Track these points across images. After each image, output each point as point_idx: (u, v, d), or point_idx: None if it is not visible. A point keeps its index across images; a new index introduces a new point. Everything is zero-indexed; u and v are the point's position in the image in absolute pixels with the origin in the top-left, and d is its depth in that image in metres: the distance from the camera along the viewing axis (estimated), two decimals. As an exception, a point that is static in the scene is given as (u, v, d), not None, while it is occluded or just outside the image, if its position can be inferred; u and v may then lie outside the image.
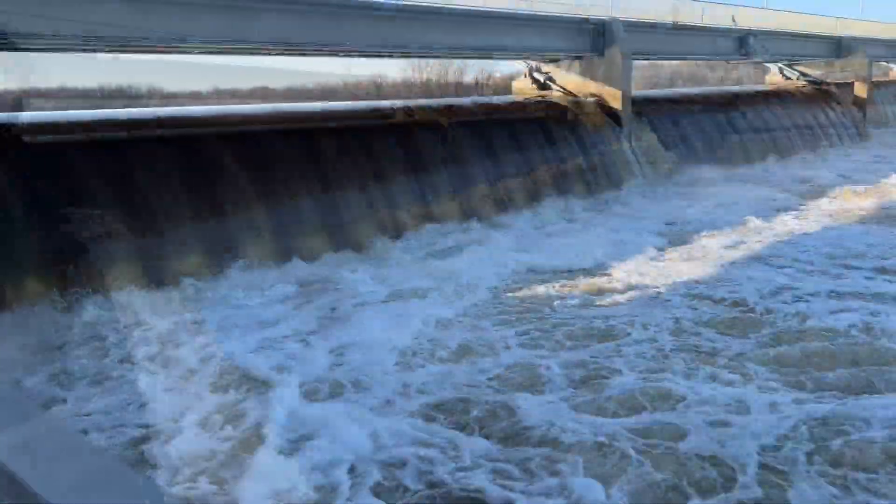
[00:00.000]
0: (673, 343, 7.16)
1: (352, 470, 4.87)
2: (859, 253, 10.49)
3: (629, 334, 7.43)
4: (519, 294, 9.01)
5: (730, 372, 6.41)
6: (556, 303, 8.52)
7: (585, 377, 6.42)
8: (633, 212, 14.42)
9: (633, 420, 5.56)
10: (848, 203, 14.87)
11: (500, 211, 14.06)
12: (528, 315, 8.15)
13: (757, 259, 10.49)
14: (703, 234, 12.25)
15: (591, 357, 6.87)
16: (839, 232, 12.10)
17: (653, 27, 20.45)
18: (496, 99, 19.40)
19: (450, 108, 15.63)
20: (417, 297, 8.85)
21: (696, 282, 9.30)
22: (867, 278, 9.20)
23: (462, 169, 14.12)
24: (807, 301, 8.30)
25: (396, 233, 12.06)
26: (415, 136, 13.78)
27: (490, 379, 6.42)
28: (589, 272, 9.93)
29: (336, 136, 12.60)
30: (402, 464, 4.99)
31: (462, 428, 5.49)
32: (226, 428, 5.41)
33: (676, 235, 12.24)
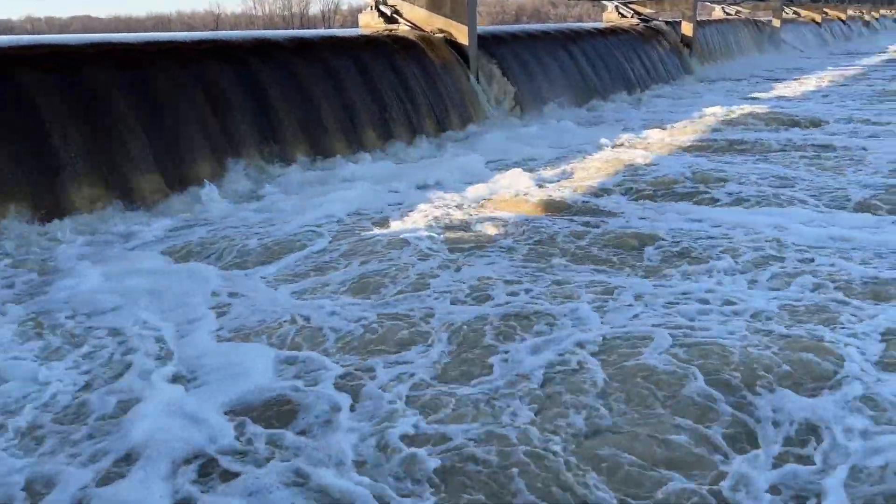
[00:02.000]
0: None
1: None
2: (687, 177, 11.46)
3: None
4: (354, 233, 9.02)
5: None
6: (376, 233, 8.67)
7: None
8: (484, 148, 14.70)
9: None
10: (680, 136, 16.03)
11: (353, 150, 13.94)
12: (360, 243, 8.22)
13: (604, 187, 11.16)
14: (551, 168, 12.77)
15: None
16: (686, 160, 13.12)
17: (497, -38, 20.55)
18: (342, 32, 18.86)
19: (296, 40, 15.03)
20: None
21: (549, 212, 9.75)
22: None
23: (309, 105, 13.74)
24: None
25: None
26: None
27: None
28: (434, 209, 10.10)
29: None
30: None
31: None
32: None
33: (525, 169, 12.63)
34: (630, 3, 32.23)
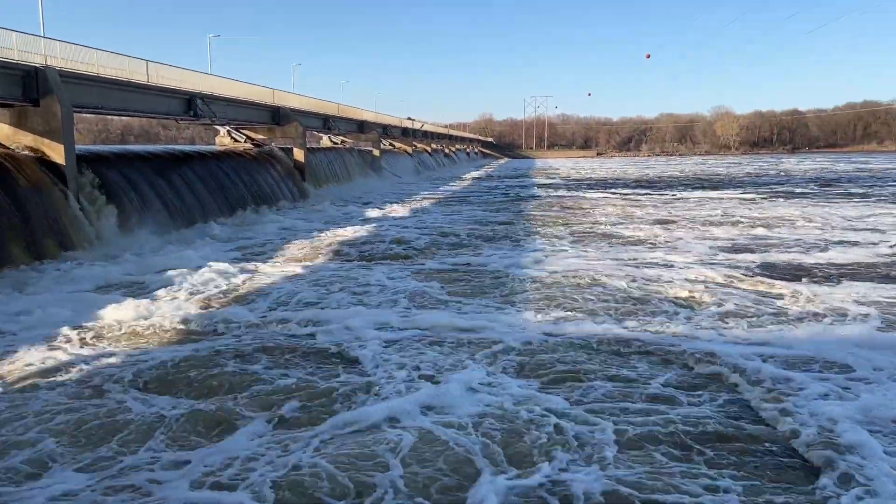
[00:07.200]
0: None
1: None
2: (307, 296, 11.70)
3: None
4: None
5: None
6: None
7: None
8: (83, 276, 13.22)
9: None
10: (296, 258, 16.50)
11: None
12: None
13: (227, 304, 10.79)
14: (154, 295, 11.93)
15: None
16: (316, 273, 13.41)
17: (95, 80, 19.34)
18: None
19: None
20: None
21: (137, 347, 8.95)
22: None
23: None
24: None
25: None
26: None
27: None
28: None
29: None
30: None
31: None
32: None
33: (123, 295, 11.60)
34: (242, 128, 33.04)
